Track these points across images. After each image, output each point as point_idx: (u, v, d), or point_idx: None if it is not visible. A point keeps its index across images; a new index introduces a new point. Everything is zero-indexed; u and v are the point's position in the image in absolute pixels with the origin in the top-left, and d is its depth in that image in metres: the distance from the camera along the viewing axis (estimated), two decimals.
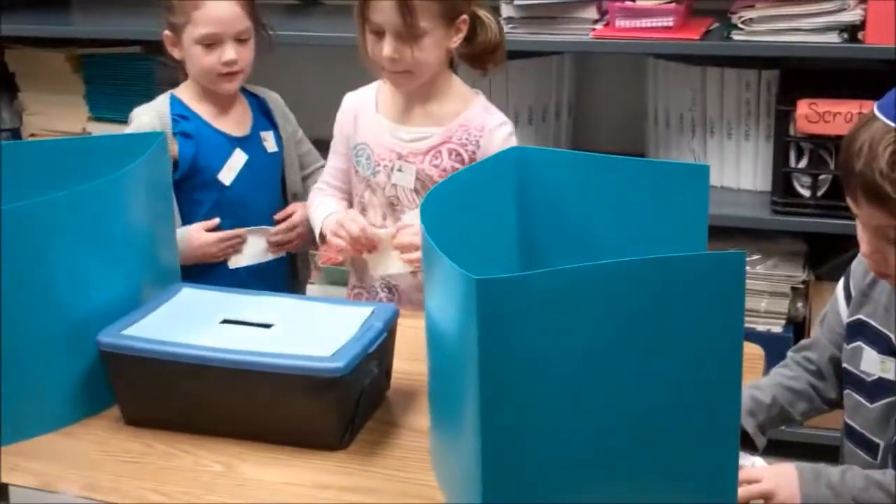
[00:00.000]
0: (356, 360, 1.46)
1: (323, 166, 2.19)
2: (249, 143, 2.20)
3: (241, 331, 1.57)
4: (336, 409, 1.48)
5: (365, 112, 2.03)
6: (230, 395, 1.50)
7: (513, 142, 1.96)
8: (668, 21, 2.51)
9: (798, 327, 2.66)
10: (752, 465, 1.54)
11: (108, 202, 1.60)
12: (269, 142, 2.23)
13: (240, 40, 2.12)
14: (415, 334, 1.65)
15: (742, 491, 1.45)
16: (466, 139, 1.96)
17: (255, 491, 1.43)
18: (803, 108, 2.43)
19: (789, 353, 1.71)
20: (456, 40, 1.93)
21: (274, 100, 2.29)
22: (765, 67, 2.62)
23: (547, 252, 1.63)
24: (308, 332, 1.55)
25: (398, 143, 1.98)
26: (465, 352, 1.21)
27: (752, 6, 2.45)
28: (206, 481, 1.45)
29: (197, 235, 2.12)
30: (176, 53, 2.16)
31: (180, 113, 2.17)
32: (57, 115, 3.14)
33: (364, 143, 2.01)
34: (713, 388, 1.22)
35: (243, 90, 2.26)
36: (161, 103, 2.19)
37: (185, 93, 2.21)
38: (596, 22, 2.59)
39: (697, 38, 2.51)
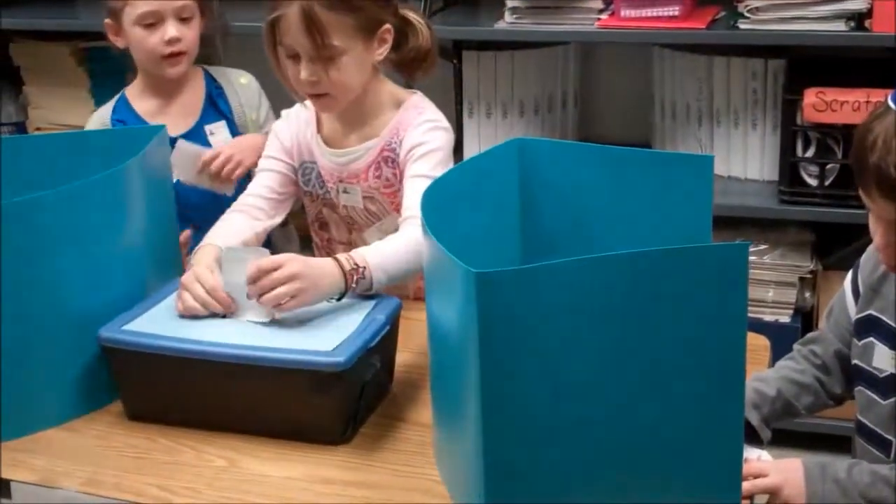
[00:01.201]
0: (357, 355, 1.46)
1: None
2: (191, 138, 2.12)
3: (242, 325, 1.56)
4: (338, 403, 1.47)
5: (306, 131, 1.89)
6: (231, 389, 1.50)
7: (434, 137, 1.79)
8: (674, 10, 2.49)
9: (806, 317, 2.65)
10: (757, 459, 1.53)
11: (110, 196, 1.60)
12: (218, 134, 2.14)
13: (182, 19, 2.05)
14: (419, 327, 1.64)
15: (747, 485, 1.44)
16: (396, 140, 1.82)
17: (258, 486, 1.43)
18: (810, 97, 2.41)
19: (795, 346, 1.70)
20: (381, 52, 1.77)
21: (236, 85, 2.20)
22: (771, 56, 2.60)
23: (551, 244, 1.62)
24: (310, 325, 1.55)
25: (336, 168, 1.86)
26: (465, 347, 1.20)
27: None
28: (209, 476, 1.45)
29: None
30: (119, 42, 2.10)
31: (120, 117, 2.13)
32: (62, 109, 3.13)
33: (311, 162, 1.89)
34: (716, 380, 1.21)
35: (206, 74, 2.19)
36: (107, 108, 2.17)
37: (132, 89, 2.18)
38: (601, 12, 2.57)
39: (703, 27, 2.49)
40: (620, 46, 2.88)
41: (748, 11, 2.44)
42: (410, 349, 1.68)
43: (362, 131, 1.85)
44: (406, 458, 1.48)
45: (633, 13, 2.52)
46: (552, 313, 1.16)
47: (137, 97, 2.16)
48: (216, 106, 2.16)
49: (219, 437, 1.52)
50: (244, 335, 1.53)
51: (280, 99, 2.04)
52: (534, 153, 1.61)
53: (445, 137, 1.81)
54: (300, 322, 1.56)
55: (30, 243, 1.51)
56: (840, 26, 2.38)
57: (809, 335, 1.71)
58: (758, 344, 1.73)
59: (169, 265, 1.77)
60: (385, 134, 1.83)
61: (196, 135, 2.13)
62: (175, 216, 1.82)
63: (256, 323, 1.57)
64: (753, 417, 1.57)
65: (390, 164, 1.82)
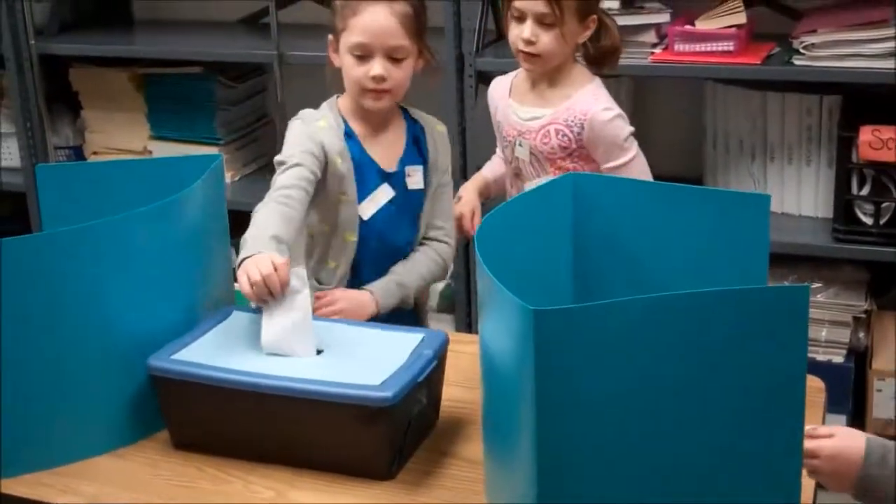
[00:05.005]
0: (405, 390, 1.45)
1: (442, 236, 2.10)
2: (396, 178, 2.05)
3: (289, 356, 1.56)
4: (384, 438, 1.47)
5: (503, 95, 2.24)
6: (278, 421, 1.49)
7: (616, 125, 2.09)
8: (729, 45, 2.48)
9: (860, 357, 2.61)
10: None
11: (164, 225, 1.61)
12: (414, 177, 2.07)
13: (394, 59, 1.97)
14: (466, 360, 1.64)
15: (810, 444, 1.42)
16: (572, 120, 2.11)
17: None
18: (866, 134, 2.39)
19: None
20: (584, 36, 2.11)
21: (434, 131, 2.11)
22: (826, 93, 2.58)
23: (603, 280, 1.61)
24: (357, 359, 1.54)
25: (518, 122, 2.17)
26: (521, 382, 1.19)
27: (814, 31, 2.42)
28: None
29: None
30: (336, 61, 2.02)
31: (346, 131, 2.03)
32: (119, 134, 3.18)
33: (499, 121, 2.23)
34: (775, 422, 1.19)
35: (405, 113, 2.11)
36: (332, 112, 2.04)
37: (344, 105, 2.06)
38: (655, 46, 2.56)
39: (758, 62, 2.48)
40: (674, 80, 2.86)
41: (803, 48, 2.42)
42: (457, 383, 1.67)
43: (542, 96, 2.16)
44: (454, 494, 1.46)
45: (687, 48, 2.51)
46: (609, 351, 1.15)
47: (350, 116, 2.05)
48: (418, 147, 2.09)
49: (265, 469, 1.52)
50: (292, 367, 1.52)
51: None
52: (588, 188, 1.60)
53: (625, 125, 2.12)
54: (348, 356, 1.56)
55: (81, 271, 1.52)
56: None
57: None
58: (813, 386, 1.70)
59: (220, 294, 1.78)
60: (560, 108, 2.12)
61: (399, 175, 2.05)
62: (228, 244, 1.83)
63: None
64: None
65: (560, 136, 2.12)
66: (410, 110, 2.12)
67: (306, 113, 2.04)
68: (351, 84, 2.01)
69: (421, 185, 2.07)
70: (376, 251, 2.04)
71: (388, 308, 1.99)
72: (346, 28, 1.98)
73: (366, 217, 2.02)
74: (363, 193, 2.01)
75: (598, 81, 2.17)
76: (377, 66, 1.96)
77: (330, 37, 2.03)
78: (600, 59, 2.19)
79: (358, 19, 1.96)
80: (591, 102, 2.11)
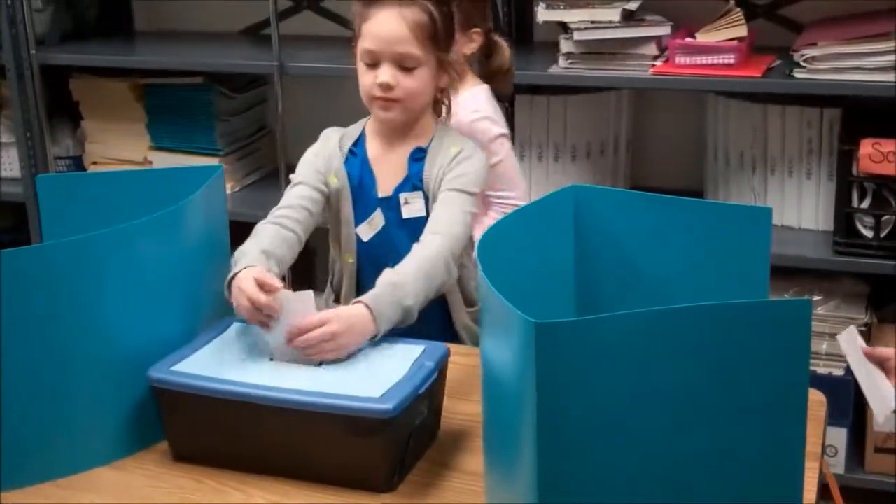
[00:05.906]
0: (406, 402, 1.45)
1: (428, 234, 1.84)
2: (390, 204, 1.94)
3: (290, 368, 1.56)
4: (385, 450, 1.46)
5: None
6: (278, 433, 1.49)
7: (480, 126, 2.11)
8: (730, 58, 2.48)
9: None
10: None
11: (165, 236, 1.61)
12: (413, 205, 1.93)
13: (403, 67, 1.86)
14: (467, 372, 1.64)
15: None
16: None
17: None
18: (866, 147, 2.39)
19: None
20: (470, 48, 2.15)
21: (441, 154, 1.92)
22: (827, 106, 2.58)
23: (605, 293, 1.61)
24: (358, 371, 1.54)
25: None
26: (522, 394, 1.19)
27: (814, 44, 2.42)
28: None
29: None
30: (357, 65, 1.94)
31: (353, 149, 1.96)
32: (119, 144, 3.18)
33: None
34: (777, 437, 1.19)
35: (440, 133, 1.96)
36: (355, 128, 1.99)
37: (372, 123, 1.99)
38: (655, 58, 2.57)
39: (759, 75, 2.48)
40: (674, 93, 2.87)
41: (804, 61, 2.43)
42: (459, 395, 1.67)
43: None
44: None
45: (687, 60, 2.51)
46: (610, 364, 1.15)
47: (371, 133, 1.98)
48: (419, 173, 1.94)
49: (265, 481, 1.51)
50: (292, 379, 1.52)
51: None
52: (590, 200, 1.60)
53: (492, 127, 2.15)
54: (348, 367, 1.56)
55: (81, 282, 1.52)
56: None
57: None
58: (813, 399, 1.69)
59: (220, 305, 1.77)
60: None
61: (393, 201, 1.93)
62: (228, 255, 1.82)
63: (303, 365, 1.57)
64: None
65: None
66: (442, 131, 1.97)
67: (327, 130, 2.00)
68: (362, 92, 1.92)
69: (422, 213, 1.92)
70: (375, 276, 1.82)
71: (389, 318, 1.65)
72: (360, 34, 1.90)
73: (364, 239, 1.96)
74: (361, 216, 1.95)
75: (484, 87, 2.21)
76: (384, 73, 1.86)
77: (354, 42, 1.95)
78: (491, 79, 2.23)
79: (368, 25, 1.87)
80: (461, 105, 2.11)
